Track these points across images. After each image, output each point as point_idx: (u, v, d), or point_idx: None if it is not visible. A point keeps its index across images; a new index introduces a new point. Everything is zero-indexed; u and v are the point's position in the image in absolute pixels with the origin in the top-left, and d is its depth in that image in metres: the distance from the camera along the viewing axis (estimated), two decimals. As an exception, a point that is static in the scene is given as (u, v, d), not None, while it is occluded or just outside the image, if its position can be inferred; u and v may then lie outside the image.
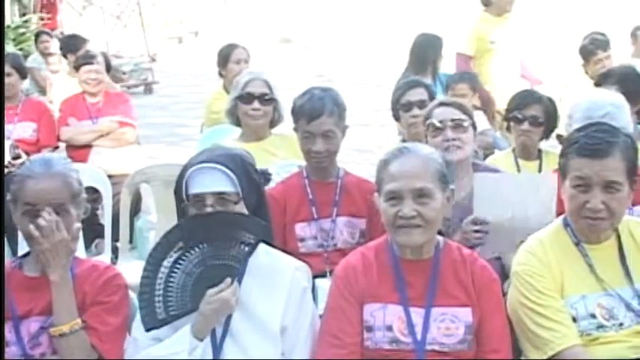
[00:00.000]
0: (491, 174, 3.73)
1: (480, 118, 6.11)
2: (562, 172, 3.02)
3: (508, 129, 4.82)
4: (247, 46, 6.78)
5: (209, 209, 2.86)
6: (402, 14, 23.66)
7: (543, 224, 3.24)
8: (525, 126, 4.59)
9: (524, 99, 4.72)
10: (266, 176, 3.17)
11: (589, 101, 4.00)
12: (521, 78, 7.11)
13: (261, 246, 2.99)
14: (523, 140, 4.65)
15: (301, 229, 3.82)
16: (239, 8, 29.32)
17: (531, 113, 4.60)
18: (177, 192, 2.96)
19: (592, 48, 6.89)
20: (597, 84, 5.04)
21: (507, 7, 7.09)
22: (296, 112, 3.88)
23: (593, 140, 2.94)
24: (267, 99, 4.58)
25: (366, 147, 9.55)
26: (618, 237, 3.04)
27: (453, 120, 3.85)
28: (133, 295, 3.15)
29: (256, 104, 4.56)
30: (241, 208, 2.92)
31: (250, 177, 2.97)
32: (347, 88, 15.85)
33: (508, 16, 7.12)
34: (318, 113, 3.77)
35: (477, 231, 3.50)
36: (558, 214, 3.18)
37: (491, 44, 7.04)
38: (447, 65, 7.05)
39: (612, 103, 3.93)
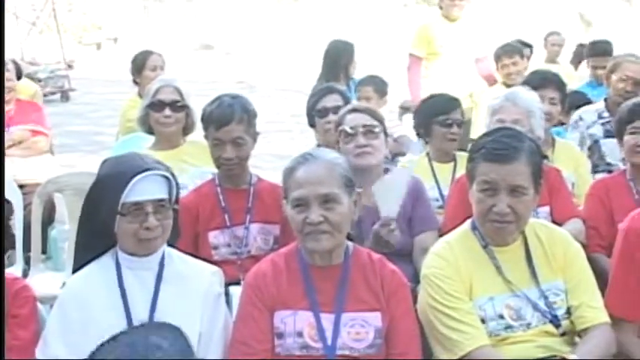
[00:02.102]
0: (381, 180, 3.74)
1: (394, 122, 6.19)
2: (470, 176, 3.07)
3: (420, 134, 4.84)
4: (168, 52, 6.75)
5: (150, 217, 2.83)
6: (323, 20, 23.77)
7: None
8: (454, 129, 4.62)
9: (450, 102, 4.75)
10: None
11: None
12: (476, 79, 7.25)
13: (176, 253, 2.99)
14: (448, 144, 4.66)
15: (214, 236, 3.79)
16: (159, 14, 29.10)
17: (457, 116, 4.65)
18: (104, 202, 2.88)
19: (500, 53, 7.05)
20: None
21: (452, 13, 7.16)
22: (205, 120, 3.86)
23: (500, 145, 2.99)
24: (179, 106, 4.54)
25: (286, 153, 9.54)
26: (525, 239, 3.10)
27: (364, 126, 3.88)
28: (41, 307, 3.10)
29: (167, 111, 4.52)
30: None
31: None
32: (268, 94, 15.90)
33: (459, 21, 7.20)
34: (227, 120, 3.75)
35: (392, 230, 3.53)
36: (466, 217, 3.23)
37: (439, 47, 7.14)
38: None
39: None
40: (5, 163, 6.09)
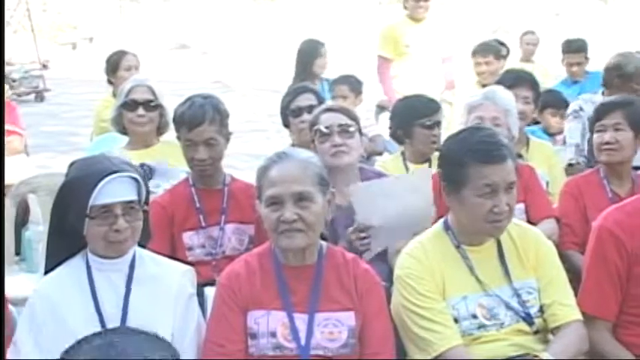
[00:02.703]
0: (364, 183, 3.75)
1: (369, 122, 6.19)
2: (457, 181, 2.99)
3: (396, 135, 4.82)
4: (144, 52, 6.74)
5: (120, 220, 2.81)
6: (300, 19, 23.76)
7: (426, 217, 3.36)
8: (436, 131, 4.61)
9: (433, 105, 4.74)
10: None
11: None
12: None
13: (147, 254, 2.98)
14: (430, 146, 4.60)
15: (189, 237, 3.78)
16: (135, 14, 28.99)
17: (438, 119, 4.64)
18: (72, 206, 2.85)
19: (475, 51, 7.08)
20: None
21: (416, 13, 7.18)
22: (177, 121, 3.84)
23: (491, 146, 2.98)
24: (152, 106, 4.53)
25: (262, 153, 9.52)
26: (497, 238, 3.10)
27: (339, 125, 3.87)
28: (13, 309, 3.07)
29: (141, 111, 4.51)
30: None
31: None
32: (244, 94, 15.87)
33: (424, 21, 7.22)
34: (199, 121, 3.74)
35: (363, 237, 3.53)
36: (440, 215, 3.24)
37: (405, 47, 7.16)
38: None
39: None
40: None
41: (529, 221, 3.93)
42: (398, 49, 7.19)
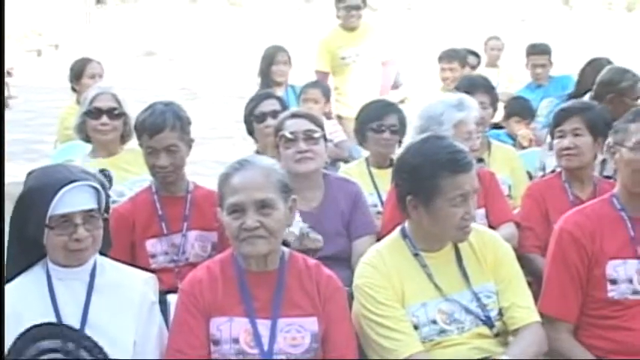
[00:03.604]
0: None
1: (335, 128, 6.20)
2: (428, 193, 2.96)
3: (361, 140, 4.84)
4: (111, 59, 6.71)
5: (80, 229, 2.79)
6: (267, 25, 23.76)
7: None
8: (387, 135, 4.64)
9: (382, 108, 4.78)
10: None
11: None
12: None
13: (108, 262, 2.96)
14: (383, 149, 4.67)
15: (152, 245, 3.77)
16: (102, 21, 28.83)
17: (390, 122, 4.66)
18: (31, 216, 2.83)
19: (440, 57, 7.13)
20: None
21: (349, 23, 7.15)
22: (138, 128, 3.84)
23: (459, 155, 3.00)
24: (116, 113, 4.52)
25: (229, 159, 9.50)
26: (455, 244, 3.12)
27: (305, 132, 3.88)
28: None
29: (105, 119, 4.50)
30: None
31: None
32: (211, 101, 15.84)
33: (358, 29, 7.19)
34: (160, 128, 3.73)
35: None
36: (391, 228, 3.26)
37: (342, 60, 7.14)
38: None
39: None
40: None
41: (490, 226, 3.98)
42: (335, 62, 7.15)
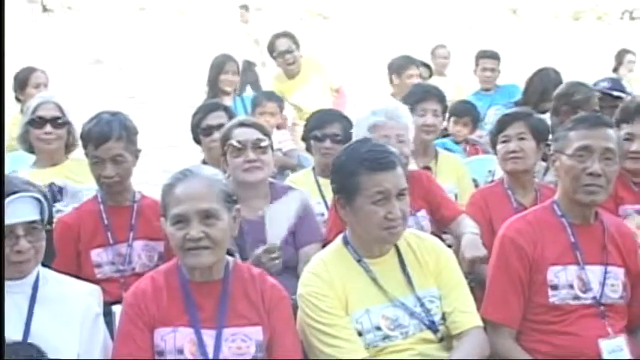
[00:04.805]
0: (274, 204, 3.78)
1: (285, 137, 6.21)
2: (350, 191, 3.05)
3: (308, 149, 4.88)
4: (58, 67, 6.61)
5: (21, 240, 2.77)
6: (216, 35, 23.68)
7: None
8: (327, 144, 4.66)
9: (324, 117, 4.81)
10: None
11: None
12: None
13: (51, 274, 2.94)
14: (323, 158, 4.67)
15: (97, 255, 3.75)
16: (49, 28, 28.49)
17: (332, 131, 4.68)
18: None
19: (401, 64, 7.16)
20: None
21: (289, 71, 7.16)
22: (84, 137, 3.81)
23: (380, 155, 3.05)
24: (60, 122, 4.50)
25: (176, 168, 9.43)
26: (397, 249, 3.16)
27: (253, 141, 3.89)
28: None
29: (48, 128, 4.47)
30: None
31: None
32: (159, 109, 15.73)
33: (299, 74, 7.20)
34: (106, 138, 3.71)
35: (273, 258, 3.55)
36: (336, 233, 3.28)
37: (293, 106, 7.16)
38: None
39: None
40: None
41: (440, 224, 4.05)
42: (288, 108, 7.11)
